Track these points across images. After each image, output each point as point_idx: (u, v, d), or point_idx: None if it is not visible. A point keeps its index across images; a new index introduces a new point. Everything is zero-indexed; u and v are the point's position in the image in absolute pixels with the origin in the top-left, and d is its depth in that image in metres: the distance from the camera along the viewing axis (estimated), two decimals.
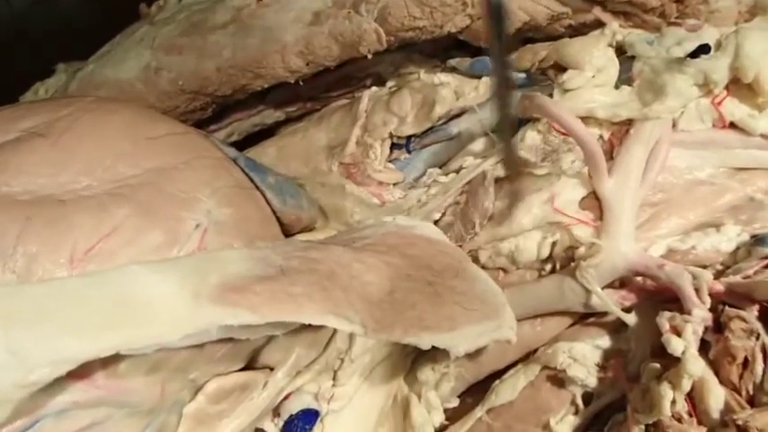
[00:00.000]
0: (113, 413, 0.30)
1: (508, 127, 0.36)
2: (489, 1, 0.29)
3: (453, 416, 0.40)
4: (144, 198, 0.31)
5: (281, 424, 0.36)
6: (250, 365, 0.35)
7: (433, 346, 0.37)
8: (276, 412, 0.36)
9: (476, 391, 0.41)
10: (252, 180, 0.37)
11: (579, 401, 0.39)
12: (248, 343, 0.33)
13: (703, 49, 0.38)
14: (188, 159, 0.34)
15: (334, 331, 0.36)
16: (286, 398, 0.36)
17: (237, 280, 0.28)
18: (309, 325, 0.33)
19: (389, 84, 0.48)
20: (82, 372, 0.27)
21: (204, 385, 0.32)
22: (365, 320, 0.30)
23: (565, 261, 0.39)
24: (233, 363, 0.33)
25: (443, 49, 0.51)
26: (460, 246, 0.40)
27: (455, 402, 0.41)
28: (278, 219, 0.38)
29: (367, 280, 0.32)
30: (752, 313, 0.35)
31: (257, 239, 0.34)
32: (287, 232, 0.39)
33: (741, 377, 0.34)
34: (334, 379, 0.37)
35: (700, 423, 0.34)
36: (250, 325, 0.27)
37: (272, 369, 0.35)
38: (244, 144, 0.55)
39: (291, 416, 0.36)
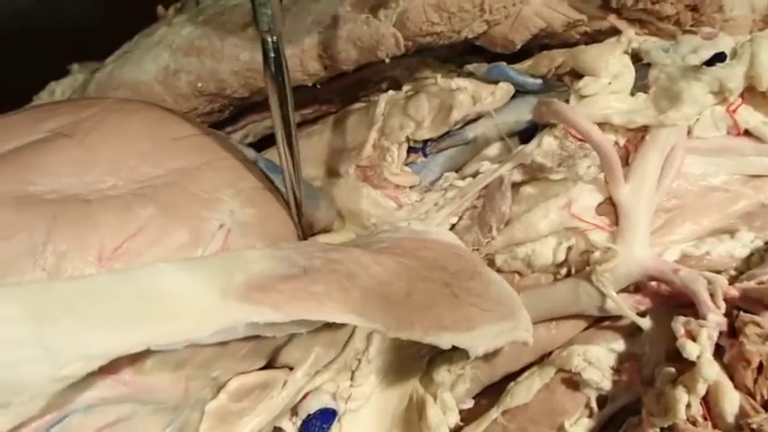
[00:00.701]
0: (138, 409, 0.30)
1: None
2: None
3: (468, 417, 0.41)
4: (168, 198, 0.32)
5: (299, 423, 0.37)
6: (270, 365, 0.35)
7: (450, 349, 0.38)
8: (294, 411, 0.37)
9: (490, 393, 0.41)
10: (272, 181, 0.38)
11: (594, 404, 0.39)
12: (270, 342, 0.33)
13: (719, 58, 0.39)
14: (210, 160, 0.35)
15: (353, 332, 0.37)
16: (304, 397, 0.37)
17: (262, 279, 0.28)
18: (329, 325, 0.33)
19: (405, 88, 0.49)
20: (109, 368, 0.27)
21: (226, 383, 0.33)
22: (385, 320, 0.30)
23: (580, 265, 0.40)
24: (255, 361, 0.33)
25: (458, 54, 0.52)
26: (477, 250, 0.41)
27: (470, 404, 0.41)
28: None
29: (386, 280, 0.33)
30: (766, 318, 0.35)
31: (279, 240, 0.35)
32: (306, 234, 0.40)
33: (756, 381, 0.34)
34: (351, 379, 0.38)
35: (714, 427, 0.34)
36: (275, 323, 0.28)
37: (291, 368, 0.35)
38: (259, 146, 0.55)
39: (309, 415, 0.36)
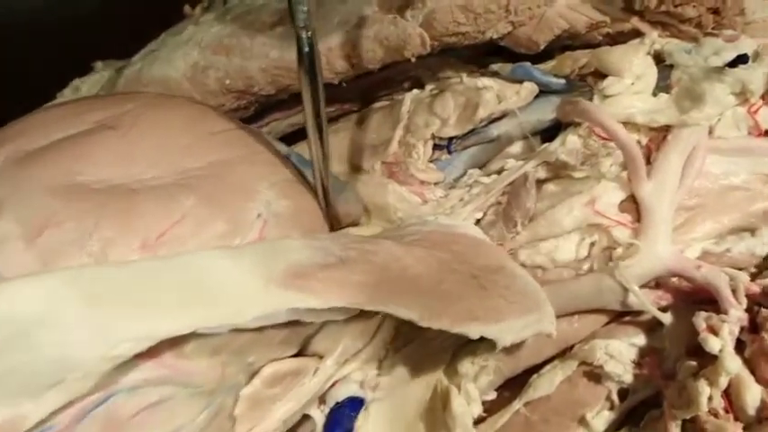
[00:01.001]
0: (178, 392, 0.31)
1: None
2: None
3: (491, 408, 0.41)
4: (208, 189, 0.33)
5: (327, 411, 0.38)
6: (301, 353, 0.36)
7: (474, 340, 0.39)
8: (322, 400, 0.38)
9: (512, 386, 0.42)
10: (303, 175, 0.39)
11: (615, 397, 0.40)
12: (303, 330, 0.34)
13: (742, 59, 0.40)
14: (246, 154, 0.36)
15: (381, 322, 0.38)
16: (333, 385, 0.38)
17: (301, 267, 0.30)
18: (359, 314, 0.34)
19: (429, 87, 0.50)
20: (152, 351, 0.28)
21: (260, 370, 0.34)
22: (418, 309, 0.31)
23: (602, 261, 0.40)
24: (288, 349, 0.34)
25: (480, 55, 0.53)
26: (501, 245, 0.42)
27: (493, 395, 0.42)
28: None
29: (418, 272, 0.34)
30: None
31: (311, 231, 0.36)
32: (335, 226, 0.41)
33: None
34: (379, 368, 0.38)
35: (736, 419, 0.35)
36: (315, 309, 0.29)
37: (321, 357, 0.36)
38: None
39: (338, 403, 0.37)
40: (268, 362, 0.34)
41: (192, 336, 0.29)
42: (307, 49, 0.33)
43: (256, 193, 0.34)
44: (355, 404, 0.37)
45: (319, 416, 0.37)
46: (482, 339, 0.34)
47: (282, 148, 0.40)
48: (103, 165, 0.33)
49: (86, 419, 0.28)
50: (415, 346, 0.40)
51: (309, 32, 0.33)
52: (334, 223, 0.41)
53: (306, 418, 0.37)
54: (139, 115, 0.35)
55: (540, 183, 0.42)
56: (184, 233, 0.31)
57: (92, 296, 0.26)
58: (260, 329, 0.31)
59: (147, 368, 0.29)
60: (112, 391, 0.29)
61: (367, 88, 0.55)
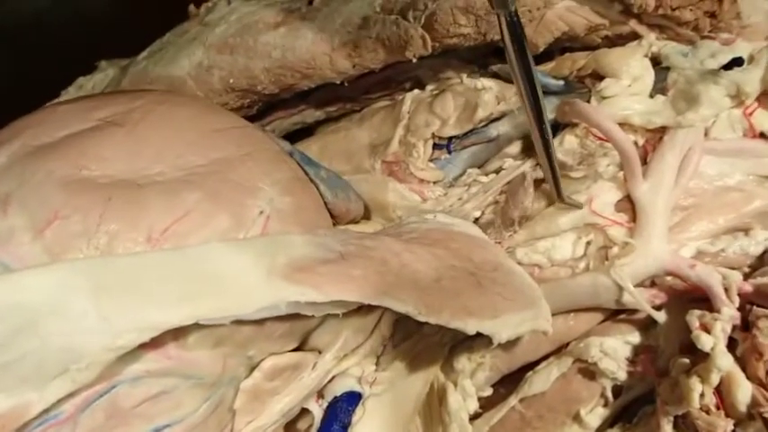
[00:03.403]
0: (180, 383, 0.32)
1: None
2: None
3: (487, 404, 0.42)
4: (212, 185, 0.34)
5: (325, 405, 0.38)
6: (300, 347, 0.37)
7: (470, 337, 0.39)
8: (320, 394, 0.38)
9: (509, 382, 0.43)
10: (306, 173, 0.40)
11: (609, 394, 0.41)
12: (303, 324, 0.35)
13: (737, 62, 0.40)
14: (250, 151, 0.37)
15: (380, 317, 0.38)
16: (331, 380, 0.38)
17: (303, 261, 0.30)
18: (358, 310, 0.35)
19: (430, 87, 0.50)
20: (156, 343, 0.29)
21: (260, 363, 0.34)
22: (416, 304, 0.32)
23: (598, 260, 0.41)
24: (288, 343, 0.35)
25: (480, 56, 0.53)
26: (499, 243, 0.42)
27: (489, 392, 0.43)
28: (329, 210, 0.40)
29: (416, 268, 0.35)
30: None
31: (312, 227, 0.36)
32: (336, 224, 0.42)
33: None
34: (377, 364, 0.39)
35: (727, 415, 0.35)
36: (315, 302, 0.29)
37: (320, 352, 0.37)
38: None
39: (336, 397, 0.38)
40: (268, 355, 0.35)
41: (195, 327, 0.30)
42: (518, 29, 0.34)
43: (259, 189, 0.35)
44: (353, 399, 0.38)
45: (317, 410, 0.38)
46: (479, 336, 0.35)
47: (286, 146, 0.41)
48: (110, 160, 0.33)
49: (90, 409, 0.29)
50: (413, 343, 0.40)
51: (517, 16, 0.33)
52: (337, 221, 0.42)
53: (304, 411, 0.38)
54: (146, 112, 0.36)
55: (537, 182, 0.43)
56: (188, 228, 0.32)
57: (98, 287, 0.27)
58: (261, 323, 0.32)
59: (151, 359, 0.30)
60: (116, 382, 0.29)
61: (369, 88, 0.55)
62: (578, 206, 0.41)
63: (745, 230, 0.41)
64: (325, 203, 0.40)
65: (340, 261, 0.31)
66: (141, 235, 0.31)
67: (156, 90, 0.39)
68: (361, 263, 0.32)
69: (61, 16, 0.71)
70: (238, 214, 0.33)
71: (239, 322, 0.30)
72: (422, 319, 0.32)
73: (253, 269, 0.28)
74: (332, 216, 0.41)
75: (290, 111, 0.58)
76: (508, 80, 0.46)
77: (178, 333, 0.30)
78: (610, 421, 0.41)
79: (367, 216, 0.46)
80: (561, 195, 0.40)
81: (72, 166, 0.33)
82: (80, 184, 0.32)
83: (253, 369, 0.35)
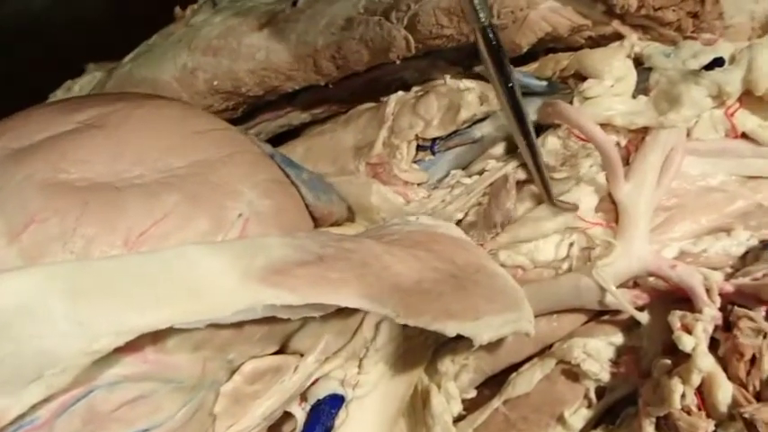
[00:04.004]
0: (159, 388, 0.31)
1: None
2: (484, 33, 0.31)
3: (471, 406, 0.42)
4: (191, 188, 0.34)
5: (307, 408, 0.38)
6: (282, 350, 0.37)
7: (454, 339, 0.39)
8: (303, 397, 0.38)
9: (493, 384, 0.43)
10: (287, 175, 0.39)
11: (592, 395, 0.41)
12: (283, 327, 0.35)
13: (717, 62, 0.40)
14: (231, 153, 0.37)
15: (362, 320, 0.38)
16: (313, 383, 0.38)
17: (280, 264, 0.30)
18: (339, 312, 0.35)
19: (415, 89, 0.50)
20: (134, 346, 0.29)
21: (240, 366, 0.34)
22: (395, 306, 0.32)
23: (581, 261, 0.41)
24: (268, 346, 0.35)
25: (466, 57, 0.53)
26: (482, 245, 0.42)
27: (473, 393, 0.43)
28: (310, 213, 0.40)
29: (396, 270, 0.34)
30: (759, 313, 0.37)
31: (292, 230, 0.36)
32: (318, 226, 0.41)
33: (749, 373, 0.36)
34: (359, 366, 0.39)
35: (708, 416, 0.35)
36: (291, 305, 0.29)
37: (302, 355, 0.37)
38: (270, 144, 0.57)
39: (318, 400, 0.38)
40: (248, 359, 0.34)
41: (174, 331, 0.29)
42: (494, 42, 0.33)
43: (239, 192, 0.35)
44: (336, 401, 0.38)
45: (300, 413, 0.38)
46: (462, 338, 0.35)
47: (267, 148, 0.41)
48: (89, 163, 0.33)
49: (66, 414, 0.29)
50: (396, 345, 0.40)
51: (492, 28, 0.33)
52: (319, 223, 0.41)
53: (288, 415, 0.38)
54: (125, 115, 0.36)
55: (521, 184, 0.43)
56: (166, 231, 0.32)
57: (73, 291, 0.27)
58: (239, 326, 0.32)
59: (128, 363, 0.30)
60: (93, 386, 0.29)
61: (354, 89, 0.55)
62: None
63: (728, 231, 0.41)
64: (307, 206, 0.39)
65: (318, 263, 0.31)
66: (118, 238, 0.31)
67: (138, 93, 0.39)
68: (339, 265, 0.32)
69: (58, 19, 0.71)
70: (217, 217, 0.33)
71: (218, 325, 0.30)
72: (401, 321, 0.32)
73: (229, 272, 0.28)
74: (314, 218, 0.41)
75: (276, 113, 0.58)
76: None
77: (156, 337, 0.30)
78: (593, 423, 0.41)
79: (351, 218, 0.46)
80: (552, 199, 0.40)
81: (50, 170, 0.32)
82: (58, 187, 0.32)
83: (233, 372, 0.34)
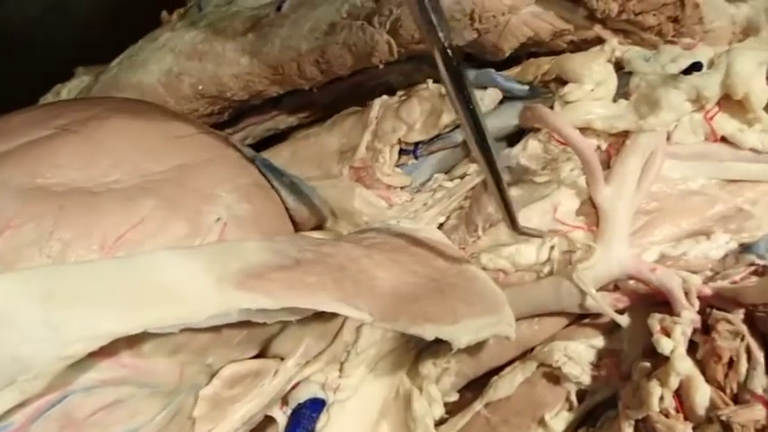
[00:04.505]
0: (136, 392, 0.32)
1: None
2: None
3: (453, 410, 0.42)
4: (169, 192, 0.34)
5: (289, 412, 0.38)
6: (262, 354, 0.37)
7: (436, 342, 0.39)
8: (284, 401, 0.38)
9: (475, 387, 0.43)
10: (268, 179, 0.40)
11: (573, 398, 0.41)
12: (262, 331, 0.35)
13: (696, 67, 0.40)
14: (210, 158, 0.37)
15: (342, 324, 0.38)
16: (294, 387, 0.38)
17: (256, 268, 0.30)
18: (319, 316, 0.35)
19: (399, 93, 0.50)
20: (109, 351, 0.29)
21: (220, 370, 0.34)
22: (372, 310, 0.32)
23: (562, 264, 0.41)
24: (247, 350, 0.35)
25: None
26: (463, 248, 0.42)
27: (455, 397, 0.43)
28: (291, 216, 0.40)
29: (375, 274, 0.35)
30: (738, 316, 0.37)
31: (272, 234, 0.36)
32: (299, 230, 0.42)
33: (726, 376, 0.36)
34: (340, 370, 0.39)
35: (686, 419, 0.35)
36: (267, 309, 0.29)
37: (282, 359, 0.37)
38: (257, 148, 0.57)
39: (299, 404, 0.38)
40: (227, 363, 0.34)
41: (149, 335, 0.29)
42: (454, 64, 0.29)
43: (217, 196, 0.35)
44: (316, 405, 0.38)
45: (281, 417, 0.38)
46: (444, 341, 0.35)
47: (248, 152, 0.41)
48: (65, 168, 0.33)
49: (42, 419, 0.29)
50: (378, 349, 0.40)
51: (451, 49, 0.29)
52: (300, 227, 0.41)
53: (269, 419, 0.38)
54: (103, 119, 0.36)
55: None
56: (143, 236, 0.32)
57: (46, 296, 0.27)
58: (217, 330, 0.32)
59: (104, 368, 0.30)
60: (68, 392, 0.29)
61: (340, 94, 0.56)
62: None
63: (707, 234, 0.41)
64: (288, 210, 0.40)
65: (295, 267, 0.31)
66: (95, 242, 0.31)
67: (117, 98, 0.39)
68: (316, 269, 0.32)
69: (53, 23, 0.71)
70: (194, 221, 0.33)
71: (195, 330, 0.30)
72: (378, 325, 0.32)
73: (203, 276, 0.28)
74: (295, 222, 0.41)
75: (262, 117, 0.58)
76: (473, 85, 0.46)
77: (132, 341, 0.30)
78: (574, 425, 0.41)
79: (334, 222, 0.46)
80: (517, 227, 0.36)
81: (27, 174, 0.33)
82: (34, 192, 0.32)
83: (212, 376, 0.34)
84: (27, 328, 0.26)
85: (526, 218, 0.41)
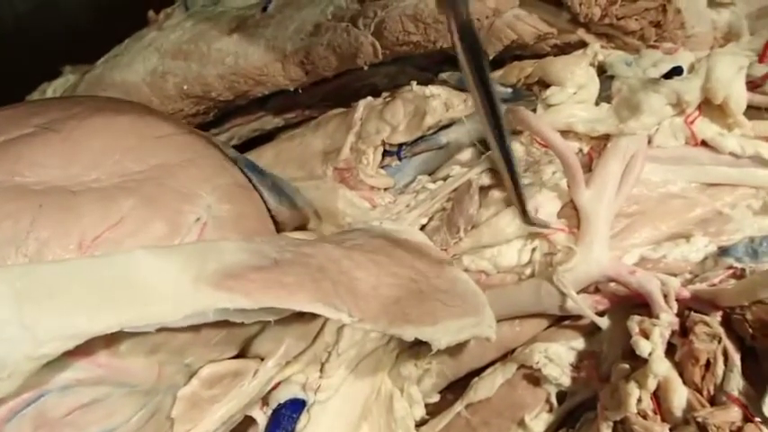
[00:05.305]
0: (113, 392, 0.31)
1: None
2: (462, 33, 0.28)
3: (434, 411, 0.42)
4: (149, 192, 0.34)
5: (269, 412, 0.38)
6: (242, 354, 0.37)
7: (417, 343, 0.39)
8: (265, 401, 0.38)
9: (455, 389, 0.43)
10: (250, 180, 0.39)
11: (553, 399, 0.41)
12: (241, 331, 0.35)
13: (676, 71, 0.41)
14: (191, 158, 0.37)
15: (323, 325, 0.38)
16: (275, 387, 0.38)
17: (234, 268, 0.30)
18: (300, 317, 0.35)
19: (384, 94, 0.51)
20: (85, 350, 0.29)
21: (198, 370, 0.34)
22: (351, 311, 0.32)
23: (543, 266, 0.41)
24: (227, 350, 0.35)
25: (436, 63, 0.54)
26: (445, 250, 0.42)
27: (436, 398, 0.43)
28: (273, 217, 0.40)
29: (355, 276, 0.35)
30: (715, 319, 0.37)
31: (253, 235, 0.36)
32: (281, 230, 0.41)
33: (703, 378, 0.36)
34: (321, 371, 0.39)
35: (663, 420, 0.36)
36: (244, 309, 0.29)
37: (262, 359, 0.37)
38: (243, 148, 0.57)
39: (279, 404, 0.38)
40: (206, 363, 0.34)
41: (126, 335, 0.29)
42: (473, 38, 0.29)
43: (197, 196, 0.35)
44: (296, 406, 0.38)
45: (262, 417, 0.38)
46: (425, 342, 0.35)
47: (231, 152, 0.41)
48: (44, 166, 0.33)
49: (16, 419, 0.28)
50: (359, 350, 0.40)
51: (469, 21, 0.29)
52: (282, 227, 0.41)
53: (250, 419, 0.38)
54: (84, 119, 0.36)
55: (485, 189, 0.43)
56: (122, 235, 0.32)
57: (21, 295, 0.27)
58: (196, 329, 0.32)
59: (80, 367, 0.30)
60: (43, 391, 0.29)
61: (325, 95, 0.56)
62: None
63: (687, 237, 0.41)
64: (270, 210, 0.40)
65: (273, 268, 0.31)
66: (72, 242, 0.31)
67: (99, 96, 0.39)
68: (295, 269, 0.32)
69: (42, 22, 0.71)
70: (174, 221, 0.33)
71: (173, 329, 0.30)
72: (357, 326, 0.32)
73: (179, 276, 0.28)
74: (277, 223, 0.41)
75: (248, 117, 0.58)
76: (456, 87, 0.46)
77: (109, 341, 0.30)
78: (554, 427, 0.41)
79: (318, 222, 0.46)
80: (527, 215, 0.36)
81: (6, 172, 0.32)
82: (13, 190, 0.32)
83: (191, 376, 0.34)
84: (0, 327, 0.26)
85: (509, 218, 0.41)
